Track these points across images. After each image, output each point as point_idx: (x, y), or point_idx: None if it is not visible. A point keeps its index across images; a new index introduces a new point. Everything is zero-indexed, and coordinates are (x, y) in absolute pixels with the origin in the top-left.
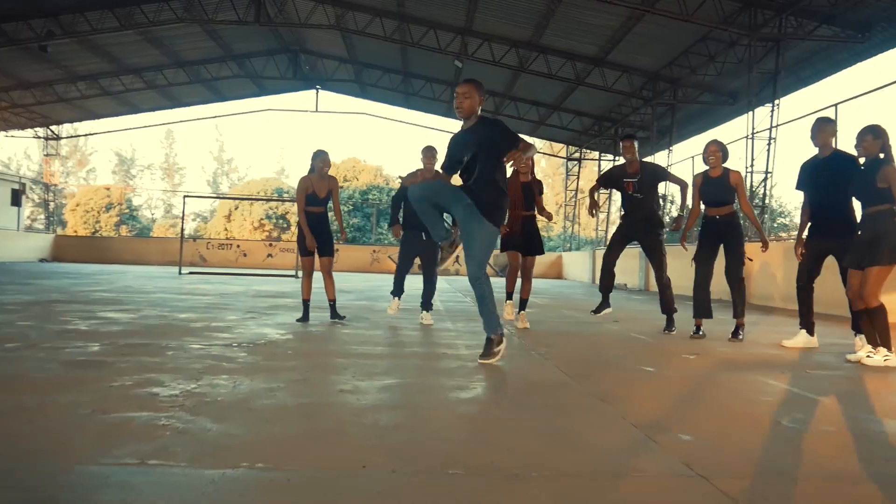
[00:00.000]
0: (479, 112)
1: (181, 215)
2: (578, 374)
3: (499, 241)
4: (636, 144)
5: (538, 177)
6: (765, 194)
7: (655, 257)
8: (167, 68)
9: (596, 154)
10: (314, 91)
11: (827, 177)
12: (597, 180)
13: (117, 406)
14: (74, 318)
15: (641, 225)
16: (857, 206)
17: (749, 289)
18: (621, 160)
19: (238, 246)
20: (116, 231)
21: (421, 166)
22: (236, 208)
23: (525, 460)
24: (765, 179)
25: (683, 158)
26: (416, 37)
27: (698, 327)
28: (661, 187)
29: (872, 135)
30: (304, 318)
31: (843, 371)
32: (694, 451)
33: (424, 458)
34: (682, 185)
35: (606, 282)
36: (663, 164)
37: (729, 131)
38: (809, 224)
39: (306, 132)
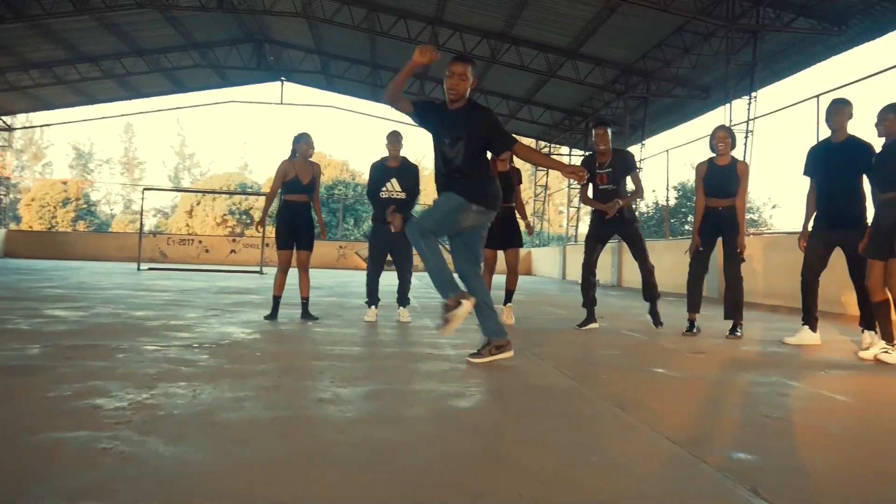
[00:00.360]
0: (468, 94)
1: (140, 209)
2: (582, 376)
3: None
4: (610, 132)
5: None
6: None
7: (637, 245)
8: (125, 57)
9: (566, 149)
10: (279, 83)
11: (840, 162)
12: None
13: (49, 424)
14: (16, 316)
15: (614, 218)
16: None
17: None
18: (589, 153)
19: (200, 242)
20: (73, 226)
21: (386, 153)
22: (198, 203)
23: (558, 490)
24: None
25: (658, 152)
26: (385, 26)
27: (692, 323)
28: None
29: (895, 113)
30: (273, 315)
31: (862, 370)
32: (755, 473)
33: (435, 488)
34: (638, 193)
35: (589, 293)
36: (636, 159)
37: (702, 126)
38: (816, 213)
39: (271, 126)
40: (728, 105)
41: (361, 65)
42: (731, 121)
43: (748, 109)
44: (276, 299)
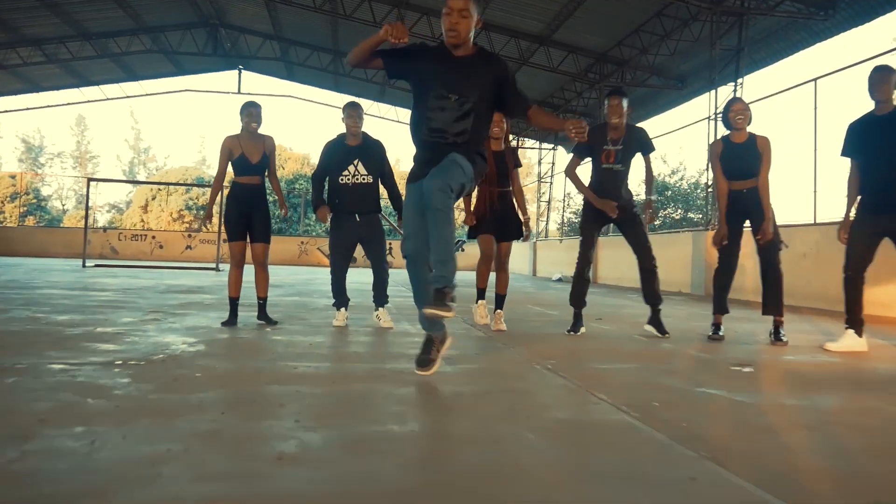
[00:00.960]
0: (473, 41)
1: (86, 201)
2: (629, 404)
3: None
4: (625, 103)
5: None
6: None
7: (638, 234)
8: (70, 40)
9: (535, 143)
10: (237, 71)
11: (887, 137)
12: (574, 152)
13: None
14: None
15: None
16: None
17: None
18: (598, 123)
19: (154, 237)
20: (22, 222)
21: (344, 129)
22: (153, 199)
23: None
24: None
25: None
26: (348, 9)
27: (717, 326)
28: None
29: None
30: (231, 321)
31: None
32: None
33: None
34: (650, 179)
35: (581, 291)
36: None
37: (676, 118)
38: (860, 199)
39: (228, 117)
40: (713, 92)
41: (323, 52)
42: (716, 108)
43: (734, 97)
44: (234, 301)
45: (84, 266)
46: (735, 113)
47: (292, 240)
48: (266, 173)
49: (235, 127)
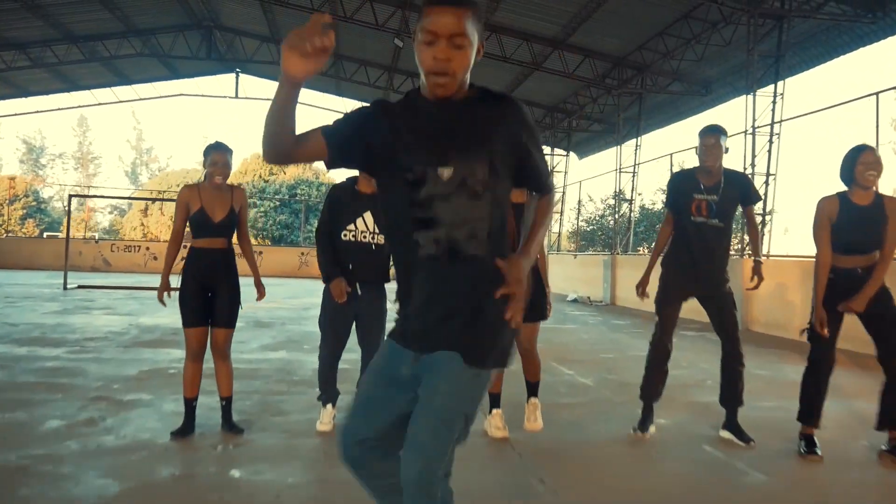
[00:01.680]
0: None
1: (67, 218)
2: None
3: None
4: (723, 141)
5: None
6: (765, 203)
7: (726, 326)
8: (56, 43)
9: (546, 149)
10: (234, 75)
11: None
12: (666, 206)
13: None
14: None
15: (707, 274)
16: None
17: (754, 314)
18: (684, 169)
19: (147, 248)
20: (22, 225)
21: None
22: (153, 202)
23: None
24: (766, 184)
25: (659, 156)
26: (349, 10)
27: (810, 441)
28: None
29: None
30: (185, 429)
31: None
32: None
33: None
34: (755, 241)
35: (655, 382)
36: (630, 162)
37: (699, 126)
38: None
39: (228, 121)
40: (749, 99)
41: None
42: (754, 119)
43: (773, 108)
44: (189, 404)
45: (65, 289)
46: (866, 166)
47: (292, 250)
48: (233, 236)
49: (236, 127)
